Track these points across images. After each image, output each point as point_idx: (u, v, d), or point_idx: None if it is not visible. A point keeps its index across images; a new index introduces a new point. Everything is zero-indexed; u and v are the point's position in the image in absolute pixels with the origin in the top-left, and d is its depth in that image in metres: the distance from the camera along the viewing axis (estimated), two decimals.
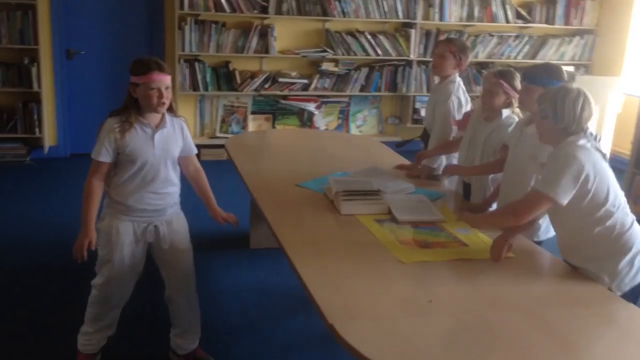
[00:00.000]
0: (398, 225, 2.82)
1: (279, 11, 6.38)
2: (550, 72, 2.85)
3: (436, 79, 4.21)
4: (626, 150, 5.66)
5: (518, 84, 3.11)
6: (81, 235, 2.65)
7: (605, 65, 7.15)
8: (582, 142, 2.40)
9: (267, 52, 6.47)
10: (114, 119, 2.66)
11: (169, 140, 2.73)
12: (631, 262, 2.42)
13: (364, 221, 2.85)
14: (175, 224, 2.83)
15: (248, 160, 3.86)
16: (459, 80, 3.71)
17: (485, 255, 2.53)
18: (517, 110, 3.16)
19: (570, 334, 2.02)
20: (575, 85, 2.59)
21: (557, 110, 2.40)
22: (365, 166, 3.67)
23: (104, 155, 2.63)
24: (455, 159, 3.70)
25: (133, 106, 2.65)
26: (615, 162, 4.39)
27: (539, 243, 2.85)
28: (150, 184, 2.70)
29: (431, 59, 6.75)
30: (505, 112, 3.14)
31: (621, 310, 2.18)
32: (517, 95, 3.09)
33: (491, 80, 3.15)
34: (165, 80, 2.62)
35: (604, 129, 6.04)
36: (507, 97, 3.12)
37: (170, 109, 2.75)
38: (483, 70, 6.89)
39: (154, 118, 2.70)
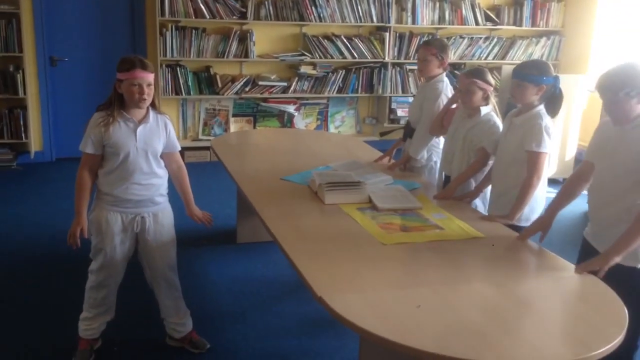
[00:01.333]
0: (379, 212, 3.04)
1: (257, 17, 6.59)
2: (540, 68, 3.03)
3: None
4: None
5: (489, 78, 3.37)
6: (74, 224, 2.84)
7: (571, 64, 7.47)
8: None
9: (246, 56, 6.67)
10: (99, 113, 2.86)
11: (152, 135, 2.91)
12: None
13: (346, 210, 3.06)
14: (161, 217, 3.00)
15: (234, 158, 4.05)
16: (446, 80, 3.88)
17: (458, 237, 2.77)
18: (494, 102, 3.41)
19: (530, 296, 2.29)
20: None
21: None
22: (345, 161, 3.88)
23: (89, 147, 2.82)
24: (434, 152, 3.92)
25: (117, 101, 2.84)
26: (581, 156, 4.64)
27: (518, 228, 2.99)
28: (133, 175, 2.86)
29: (406, 61, 7.12)
30: (484, 110, 3.37)
31: (582, 280, 2.42)
32: (491, 89, 3.37)
33: (465, 81, 3.38)
34: (147, 77, 2.81)
35: (570, 124, 6.33)
36: (483, 92, 3.35)
37: (154, 106, 2.94)
38: (456, 71, 7.16)
39: (138, 113, 2.88)
